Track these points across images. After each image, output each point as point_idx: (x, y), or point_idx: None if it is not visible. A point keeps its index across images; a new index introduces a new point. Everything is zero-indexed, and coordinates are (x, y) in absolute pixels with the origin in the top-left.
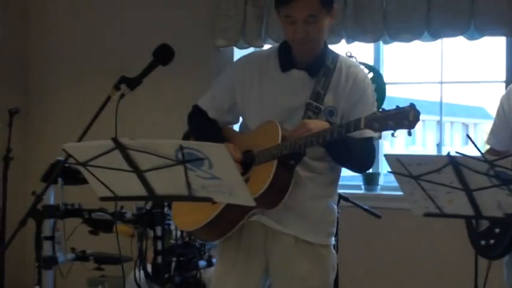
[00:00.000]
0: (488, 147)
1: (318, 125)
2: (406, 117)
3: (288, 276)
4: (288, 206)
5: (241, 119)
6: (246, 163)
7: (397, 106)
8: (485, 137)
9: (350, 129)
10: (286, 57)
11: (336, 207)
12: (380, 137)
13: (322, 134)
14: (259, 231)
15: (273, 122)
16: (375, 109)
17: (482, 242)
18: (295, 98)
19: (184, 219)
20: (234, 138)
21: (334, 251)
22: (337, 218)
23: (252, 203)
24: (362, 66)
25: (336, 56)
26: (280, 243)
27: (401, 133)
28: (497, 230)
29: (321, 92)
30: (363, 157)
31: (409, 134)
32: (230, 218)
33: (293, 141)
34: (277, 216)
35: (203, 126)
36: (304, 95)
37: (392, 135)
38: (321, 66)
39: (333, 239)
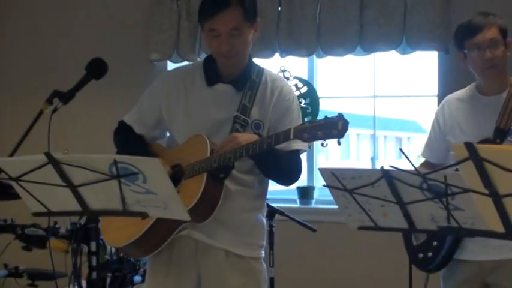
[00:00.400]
0: (423, 160)
1: (246, 137)
2: (335, 127)
3: None
4: (218, 220)
5: (168, 134)
6: (175, 177)
7: (326, 116)
8: (418, 150)
9: (279, 140)
10: (211, 72)
11: (264, 220)
12: (306, 149)
13: (251, 145)
14: (190, 245)
15: (201, 136)
16: (301, 121)
17: (420, 255)
18: (222, 111)
19: (113, 236)
20: (161, 152)
21: (264, 264)
22: (272, 231)
23: (187, 218)
24: (295, 81)
25: (261, 70)
26: (211, 257)
27: (332, 144)
28: (435, 243)
29: (247, 105)
30: (290, 169)
31: (339, 143)
32: (160, 233)
33: (222, 154)
34: (207, 230)
35: (130, 141)
36: (230, 109)
37: (322, 144)
38: (247, 80)
39: (263, 251)
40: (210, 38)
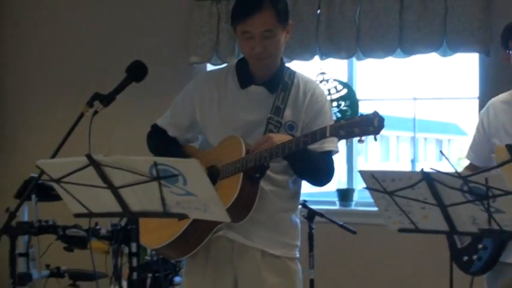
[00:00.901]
0: (467, 162)
1: (281, 137)
2: (371, 124)
3: None
4: (254, 220)
5: (200, 137)
6: (211, 178)
7: (361, 114)
8: (459, 152)
9: (316, 138)
10: (244, 74)
11: (298, 221)
12: (338, 151)
13: (287, 144)
14: (226, 246)
15: (236, 137)
16: (332, 121)
17: (465, 258)
18: (255, 113)
19: (150, 237)
20: (196, 154)
21: (299, 264)
22: (312, 233)
23: (227, 219)
24: (335, 83)
25: (293, 72)
26: (248, 257)
27: (370, 141)
28: (480, 246)
29: (280, 107)
30: (323, 170)
31: (375, 139)
32: (196, 235)
33: (258, 153)
34: (243, 230)
35: (164, 144)
36: (264, 110)
37: (359, 141)
38: (279, 82)
39: (298, 252)
40: (243, 40)
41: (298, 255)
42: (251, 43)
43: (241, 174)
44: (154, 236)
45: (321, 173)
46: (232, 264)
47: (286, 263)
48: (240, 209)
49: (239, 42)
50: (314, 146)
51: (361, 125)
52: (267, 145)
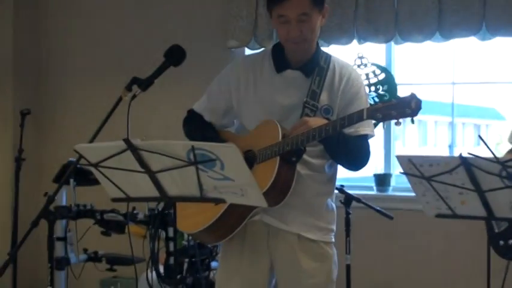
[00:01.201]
0: (510, 146)
1: (317, 121)
2: (408, 106)
3: (295, 274)
4: (290, 204)
5: (236, 122)
6: (247, 162)
7: (398, 96)
8: (497, 138)
9: (353, 121)
10: (280, 59)
11: (334, 205)
12: (374, 135)
13: (324, 127)
14: (262, 230)
15: (272, 121)
16: (367, 105)
17: (501, 242)
18: (292, 97)
19: (187, 223)
20: (232, 139)
21: (335, 248)
22: (349, 218)
23: (264, 204)
24: (373, 68)
25: (328, 56)
26: (284, 241)
27: (408, 125)
28: None
29: (316, 91)
30: (359, 154)
31: (412, 121)
32: (233, 219)
33: (295, 137)
34: (279, 214)
35: (200, 129)
36: (300, 94)
37: (396, 123)
38: (315, 66)
39: (333, 236)
40: (279, 24)
41: (333, 240)
42: (286, 27)
43: (278, 158)
44: (191, 221)
45: (357, 157)
46: (268, 248)
47: (322, 247)
48: (277, 193)
49: (274, 27)
50: (350, 130)
51: (398, 107)
52: (303, 128)
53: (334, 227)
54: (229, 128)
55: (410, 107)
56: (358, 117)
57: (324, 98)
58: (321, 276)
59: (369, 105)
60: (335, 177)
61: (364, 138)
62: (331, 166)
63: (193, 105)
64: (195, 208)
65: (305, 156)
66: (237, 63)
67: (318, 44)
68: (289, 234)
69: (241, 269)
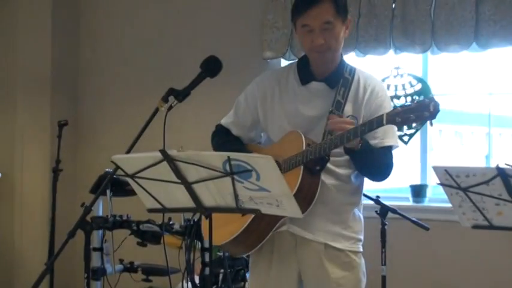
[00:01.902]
0: None
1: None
2: (426, 109)
3: (322, 283)
4: (317, 214)
5: (263, 136)
6: None
7: (416, 100)
8: None
9: (373, 126)
10: (304, 71)
11: (362, 215)
12: (398, 145)
13: (346, 134)
14: (290, 240)
15: (296, 132)
16: None
17: None
18: (317, 108)
19: (214, 234)
20: (258, 151)
21: (363, 258)
22: (385, 229)
23: (299, 215)
24: (409, 78)
25: (353, 68)
26: (311, 250)
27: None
28: None
29: (341, 101)
30: (383, 165)
31: (431, 124)
32: (259, 230)
33: (318, 145)
34: (305, 224)
35: (228, 142)
36: (324, 106)
37: (415, 127)
38: (339, 77)
39: (361, 246)
40: (303, 34)
41: (361, 250)
42: (311, 36)
43: (302, 166)
44: (218, 233)
45: (381, 168)
46: (296, 258)
47: (349, 256)
48: (301, 201)
49: (299, 38)
50: (375, 141)
51: (417, 110)
52: (339, 125)
53: (361, 237)
54: (256, 142)
55: (428, 110)
56: (378, 122)
57: (348, 108)
58: (348, 285)
59: None
60: (361, 188)
61: (388, 149)
62: (358, 176)
63: (221, 120)
64: (221, 220)
65: (330, 166)
66: (263, 78)
67: (341, 55)
68: (316, 243)
69: (270, 280)
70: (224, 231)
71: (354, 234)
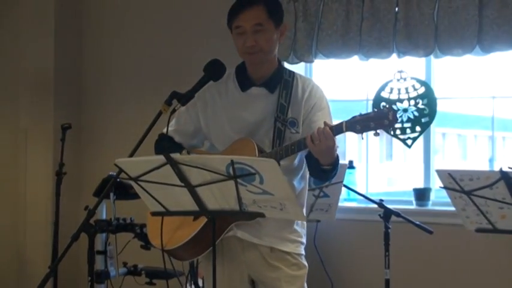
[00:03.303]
0: None
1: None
2: (385, 117)
3: (273, 281)
4: (262, 219)
5: (206, 143)
6: None
7: (374, 109)
8: None
9: (333, 134)
10: (243, 77)
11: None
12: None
13: (303, 141)
14: (237, 245)
15: (247, 138)
16: (331, 118)
17: None
18: (258, 113)
19: (165, 239)
20: None
21: (305, 261)
22: (388, 233)
23: (303, 219)
24: (412, 81)
25: (292, 72)
26: (257, 254)
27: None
28: None
29: (284, 105)
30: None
31: (389, 132)
32: (209, 236)
33: (273, 152)
34: (252, 229)
35: (170, 149)
36: (266, 110)
37: (375, 134)
38: (278, 81)
39: (303, 248)
40: (236, 36)
41: (304, 252)
42: (243, 38)
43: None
44: (169, 238)
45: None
46: (245, 262)
47: (295, 258)
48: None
49: (233, 41)
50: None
51: (376, 119)
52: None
53: (304, 240)
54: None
55: (387, 118)
56: (337, 130)
57: (290, 111)
58: (299, 283)
59: (331, 118)
60: (305, 192)
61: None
62: (300, 181)
63: (163, 130)
64: (171, 225)
65: None
66: (203, 88)
67: (279, 60)
68: (262, 247)
69: (223, 282)
70: (174, 236)
71: (299, 238)
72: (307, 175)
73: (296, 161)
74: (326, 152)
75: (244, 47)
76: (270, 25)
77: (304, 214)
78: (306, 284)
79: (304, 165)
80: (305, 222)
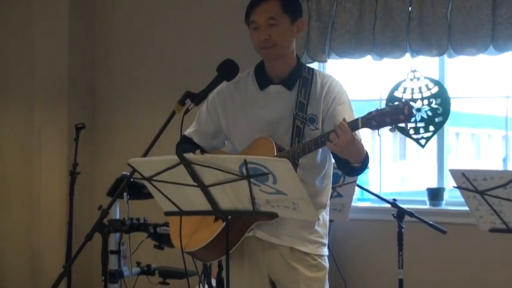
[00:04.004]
0: None
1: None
2: (401, 112)
3: (292, 283)
4: (282, 219)
5: (228, 143)
6: None
7: (389, 104)
8: None
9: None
10: (261, 76)
11: (328, 218)
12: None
13: (320, 139)
14: (257, 245)
15: (266, 137)
16: (353, 112)
17: None
18: (277, 111)
19: (185, 241)
20: None
21: (328, 262)
22: (402, 233)
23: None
24: (426, 81)
25: (311, 69)
26: (277, 253)
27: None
28: None
29: (303, 102)
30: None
31: (406, 126)
32: (232, 235)
33: (290, 150)
34: (272, 229)
35: (188, 150)
36: (285, 108)
37: (391, 130)
38: (296, 79)
39: (326, 249)
40: (252, 31)
41: (327, 253)
42: (258, 33)
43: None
44: (190, 240)
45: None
46: (264, 262)
47: (315, 259)
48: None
49: (250, 37)
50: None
51: (392, 114)
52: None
53: (326, 241)
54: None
55: (403, 113)
56: (353, 125)
57: (310, 107)
58: (315, 286)
59: (352, 112)
60: (328, 191)
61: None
62: (323, 180)
63: (185, 131)
64: (192, 226)
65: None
66: (222, 87)
67: (298, 57)
68: (282, 247)
69: (244, 283)
70: (196, 237)
71: (319, 239)
72: (331, 173)
73: (318, 158)
74: (347, 149)
75: (259, 41)
76: (285, 20)
77: (327, 214)
78: (327, 285)
79: (328, 164)
80: (327, 223)
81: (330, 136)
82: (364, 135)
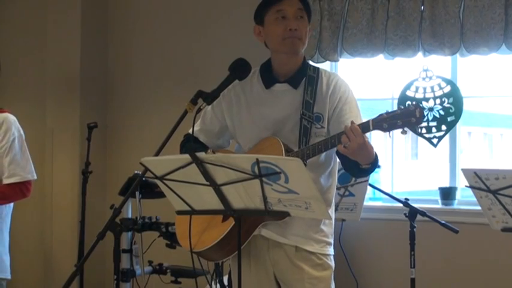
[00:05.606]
0: None
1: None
2: (413, 115)
3: (296, 282)
4: (290, 218)
5: (233, 143)
6: None
7: (400, 107)
8: None
9: None
10: (267, 74)
11: (333, 216)
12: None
13: (330, 140)
14: (263, 244)
15: (274, 137)
16: (359, 112)
17: None
18: (283, 110)
19: (193, 241)
20: None
21: (333, 262)
22: (414, 232)
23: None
24: (438, 80)
25: (317, 68)
26: (282, 252)
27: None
28: None
29: (310, 101)
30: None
31: (417, 129)
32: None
33: (300, 151)
34: (277, 228)
35: (196, 148)
36: (291, 106)
37: (402, 132)
38: (302, 77)
39: (332, 249)
40: (275, 22)
41: (332, 252)
42: (284, 23)
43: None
44: (198, 240)
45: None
46: (269, 260)
47: (320, 258)
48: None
49: (271, 27)
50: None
51: (403, 116)
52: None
53: (332, 240)
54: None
55: (415, 116)
56: (364, 128)
57: (316, 106)
58: (321, 285)
59: (359, 111)
60: (333, 189)
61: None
62: (328, 178)
63: (189, 130)
64: (199, 227)
65: None
66: (228, 87)
67: (304, 56)
68: (287, 246)
69: (251, 282)
70: (204, 237)
71: (325, 238)
72: (336, 171)
73: (322, 157)
74: (359, 151)
75: (285, 31)
76: (306, 18)
77: (333, 212)
78: (333, 284)
79: (333, 162)
80: (333, 222)
81: (341, 138)
82: (376, 134)
